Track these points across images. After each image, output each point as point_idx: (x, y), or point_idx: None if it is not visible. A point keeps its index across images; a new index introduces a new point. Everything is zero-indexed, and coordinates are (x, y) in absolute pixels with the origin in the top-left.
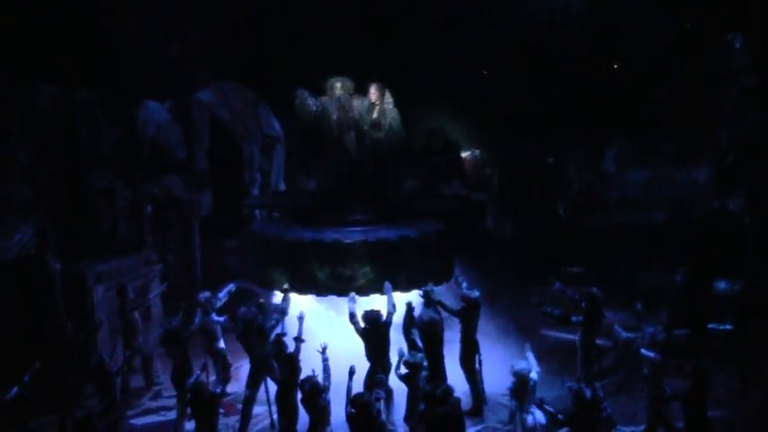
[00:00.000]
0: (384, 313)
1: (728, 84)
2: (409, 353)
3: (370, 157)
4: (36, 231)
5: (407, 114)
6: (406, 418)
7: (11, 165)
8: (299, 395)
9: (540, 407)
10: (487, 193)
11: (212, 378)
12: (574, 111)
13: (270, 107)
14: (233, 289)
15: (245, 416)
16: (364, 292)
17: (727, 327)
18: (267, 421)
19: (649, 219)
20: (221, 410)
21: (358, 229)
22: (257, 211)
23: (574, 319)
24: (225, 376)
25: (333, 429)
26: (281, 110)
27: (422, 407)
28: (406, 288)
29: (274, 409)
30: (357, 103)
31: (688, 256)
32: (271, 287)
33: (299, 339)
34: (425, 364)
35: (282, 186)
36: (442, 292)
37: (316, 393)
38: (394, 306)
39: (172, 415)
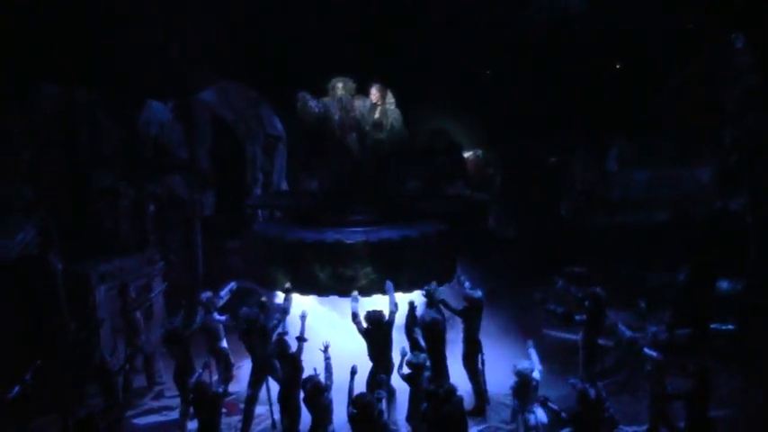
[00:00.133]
0: (386, 313)
1: (731, 84)
2: (412, 353)
3: (371, 157)
4: (38, 231)
5: (410, 115)
6: (408, 418)
7: (14, 164)
8: (302, 395)
9: (544, 405)
10: (490, 194)
11: (215, 378)
12: (576, 110)
13: (272, 107)
14: (234, 287)
15: (248, 416)
16: (366, 292)
17: (730, 326)
18: (269, 421)
19: (652, 218)
20: (223, 410)
21: (360, 229)
22: (259, 211)
23: (577, 318)
24: (227, 376)
25: (335, 429)
26: (282, 110)
27: (424, 406)
28: (408, 288)
29: (275, 408)
30: (359, 103)
31: (690, 256)
32: (272, 287)
33: (301, 339)
34: (428, 364)
35: (285, 186)
36: (444, 292)
37: (318, 393)
38: (396, 305)
39: (174, 415)
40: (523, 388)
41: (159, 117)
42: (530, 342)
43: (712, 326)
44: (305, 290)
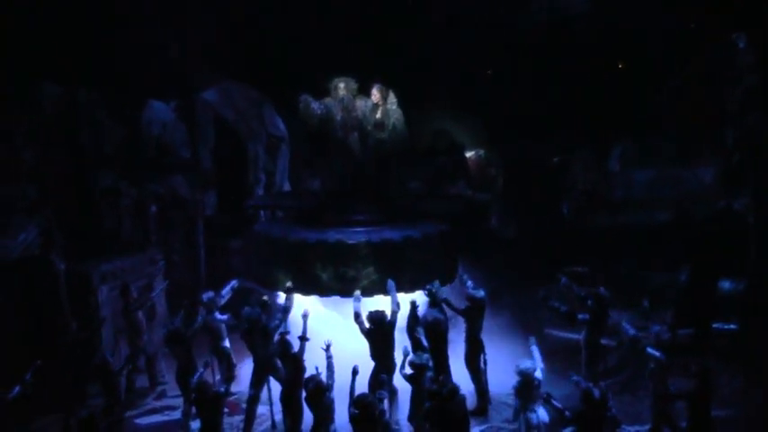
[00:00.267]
0: (388, 313)
1: (733, 83)
2: (415, 353)
3: (373, 157)
4: (41, 231)
5: (412, 115)
6: (410, 418)
7: (16, 164)
8: (304, 394)
9: (547, 402)
10: (492, 194)
11: (217, 377)
12: (578, 110)
13: (274, 107)
14: (236, 285)
15: (250, 416)
16: (368, 292)
17: (732, 326)
18: (269, 422)
19: (654, 218)
20: (226, 410)
21: (361, 229)
22: (261, 211)
23: (580, 317)
24: (229, 375)
25: (336, 429)
26: (285, 110)
27: (427, 405)
28: (409, 289)
29: (276, 409)
30: (361, 103)
31: (692, 256)
32: (274, 288)
33: (303, 338)
34: (431, 364)
35: (287, 186)
36: (446, 292)
37: (320, 392)
38: (398, 305)
39: (176, 414)
40: (526, 387)
41: (161, 117)
42: (532, 339)
43: (714, 326)
44: (307, 290)
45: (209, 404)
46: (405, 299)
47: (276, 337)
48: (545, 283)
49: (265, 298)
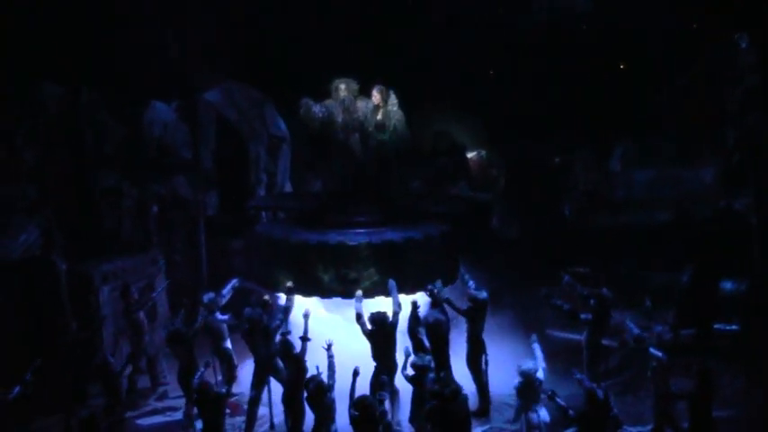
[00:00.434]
0: (390, 314)
1: (734, 84)
2: (417, 355)
3: (374, 158)
4: (42, 231)
5: (414, 117)
6: (411, 419)
7: (17, 165)
8: (305, 394)
9: (551, 399)
10: (493, 194)
11: (219, 378)
12: (579, 110)
13: (276, 107)
14: (237, 284)
15: (251, 416)
16: (369, 294)
17: (733, 327)
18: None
19: (655, 219)
20: (227, 411)
21: (363, 230)
22: (263, 212)
23: (582, 316)
24: (230, 376)
25: (337, 429)
26: (286, 110)
27: (429, 405)
28: (410, 290)
29: (275, 411)
30: (362, 104)
31: (693, 256)
32: (275, 289)
33: (305, 339)
34: (433, 365)
35: (288, 187)
36: (447, 293)
37: (321, 392)
38: (399, 305)
39: (178, 415)
40: (527, 388)
41: (163, 117)
42: (533, 336)
43: (716, 326)
44: (308, 291)
45: (210, 405)
46: (406, 300)
47: (278, 338)
48: (546, 283)
49: (266, 297)
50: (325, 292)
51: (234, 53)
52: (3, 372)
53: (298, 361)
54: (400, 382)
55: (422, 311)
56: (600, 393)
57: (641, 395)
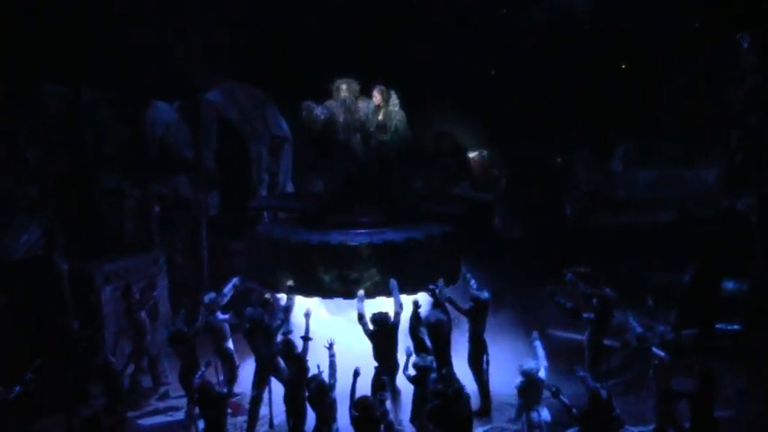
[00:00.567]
0: (392, 314)
1: (736, 83)
2: (418, 355)
3: (376, 159)
4: (43, 231)
5: (416, 117)
6: (413, 419)
7: (19, 165)
8: (306, 394)
9: (556, 396)
10: (495, 194)
11: (220, 378)
12: (580, 110)
13: (278, 107)
14: (237, 283)
15: (252, 416)
16: (371, 294)
17: (735, 327)
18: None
19: (657, 219)
20: (229, 411)
21: (364, 231)
22: (264, 212)
23: (585, 315)
24: (232, 375)
25: (339, 428)
26: (288, 111)
27: (430, 405)
28: (412, 291)
29: (276, 411)
30: (363, 105)
31: (695, 256)
32: (276, 289)
33: (306, 338)
34: (434, 366)
35: (290, 187)
36: (449, 294)
37: (322, 392)
38: (401, 305)
39: (180, 415)
40: (529, 387)
41: (164, 118)
42: (534, 334)
43: (718, 326)
44: (309, 292)
45: (212, 405)
46: (407, 300)
47: (279, 337)
48: (548, 283)
49: (267, 296)
50: (326, 292)
51: (234, 53)
52: (4, 371)
53: (299, 360)
54: (401, 381)
55: (423, 311)
56: (603, 393)
57: (643, 395)
